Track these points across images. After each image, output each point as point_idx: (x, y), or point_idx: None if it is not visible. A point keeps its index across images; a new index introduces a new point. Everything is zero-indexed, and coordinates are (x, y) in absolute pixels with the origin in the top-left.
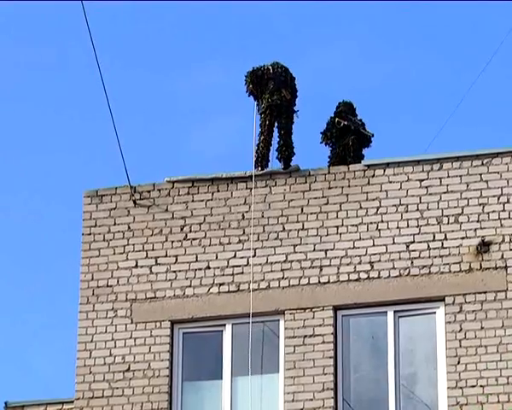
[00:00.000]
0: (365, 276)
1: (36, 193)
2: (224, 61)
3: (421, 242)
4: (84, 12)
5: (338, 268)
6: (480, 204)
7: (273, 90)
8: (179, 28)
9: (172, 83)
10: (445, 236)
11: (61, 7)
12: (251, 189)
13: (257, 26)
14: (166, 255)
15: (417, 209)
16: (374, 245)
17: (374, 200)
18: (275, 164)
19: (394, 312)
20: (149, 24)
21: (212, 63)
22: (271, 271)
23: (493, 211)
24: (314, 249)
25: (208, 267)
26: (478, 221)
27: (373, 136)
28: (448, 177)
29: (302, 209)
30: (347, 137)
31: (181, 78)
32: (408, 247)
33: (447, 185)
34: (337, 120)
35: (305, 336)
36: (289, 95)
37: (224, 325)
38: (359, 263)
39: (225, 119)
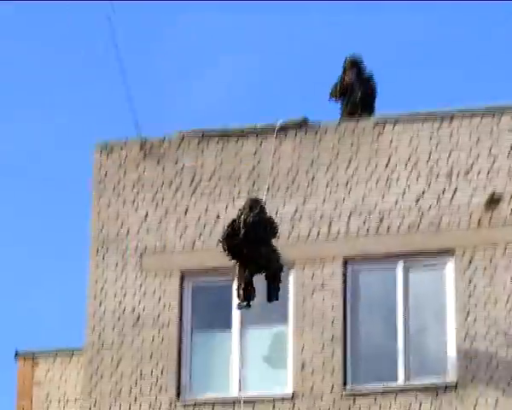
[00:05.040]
0: (375, 230)
1: (48, 144)
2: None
3: (430, 197)
4: None
5: (348, 221)
6: (490, 159)
7: None
8: None
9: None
10: (455, 191)
11: None
12: (261, 142)
13: None
14: (176, 207)
15: (427, 164)
16: (383, 199)
17: (384, 154)
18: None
19: (404, 265)
20: None
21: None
22: (281, 223)
23: (503, 166)
24: (324, 202)
25: (218, 219)
26: (487, 176)
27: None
28: (458, 132)
29: (312, 162)
30: (355, 93)
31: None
32: (417, 201)
33: (457, 140)
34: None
35: (315, 288)
36: None
37: (233, 275)
38: (369, 217)
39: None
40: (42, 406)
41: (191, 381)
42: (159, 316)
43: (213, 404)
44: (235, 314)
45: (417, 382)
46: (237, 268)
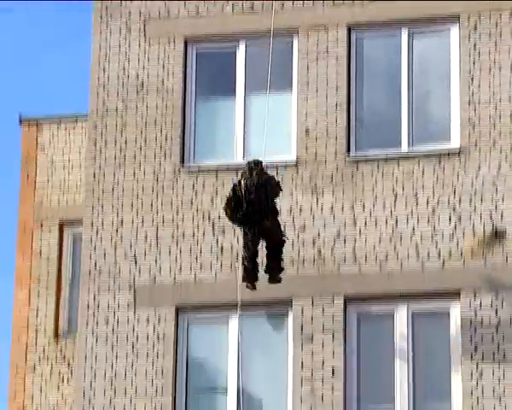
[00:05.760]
0: None
1: None
2: None
3: None
4: None
5: None
6: None
7: None
8: None
9: None
10: None
11: None
12: None
13: None
14: None
15: None
16: None
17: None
18: None
19: (408, 32)
20: None
21: None
22: None
23: None
24: None
25: None
26: None
27: None
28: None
29: None
30: None
31: None
32: None
33: None
34: None
35: (318, 54)
36: None
37: (238, 42)
38: None
39: None
40: (46, 171)
41: (195, 147)
42: (163, 83)
43: (217, 170)
44: (239, 81)
45: (420, 148)
46: (244, 238)
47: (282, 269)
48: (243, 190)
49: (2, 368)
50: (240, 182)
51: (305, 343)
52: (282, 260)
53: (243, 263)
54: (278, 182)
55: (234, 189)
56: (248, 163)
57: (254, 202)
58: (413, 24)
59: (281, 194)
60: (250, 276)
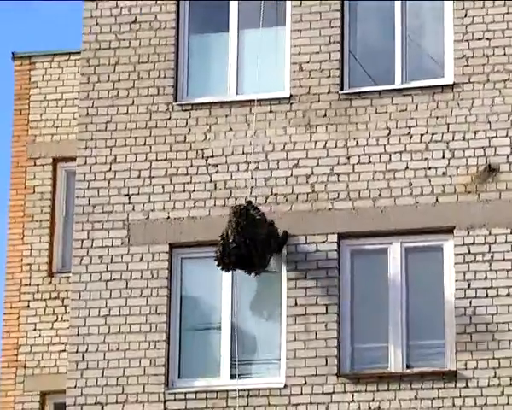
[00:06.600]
0: None
1: None
2: None
3: None
4: None
5: None
6: None
7: None
8: None
9: None
10: None
11: None
12: None
13: None
14: None
15: None
16: None
17: None
18: None
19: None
20: None
21: None
22: None
23: None
24: None
25: None
26: None
27: None
28: None
29: None
30: None
31: None
32: None
33: None
34: None
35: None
36: None
37: None
38: None
39: None
40: (39, 106)
41: (188, 83)
42: (156, 18)
43: (210, 106)
44: (233, 16)
45: (414, 83)
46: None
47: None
48: (230, 243)
49: None
50: (227, 233)
51: (299, 279)
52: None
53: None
54: (285, 232)
55: (222, 240)
56: (234, 213)
57: (244, 256)
58: None
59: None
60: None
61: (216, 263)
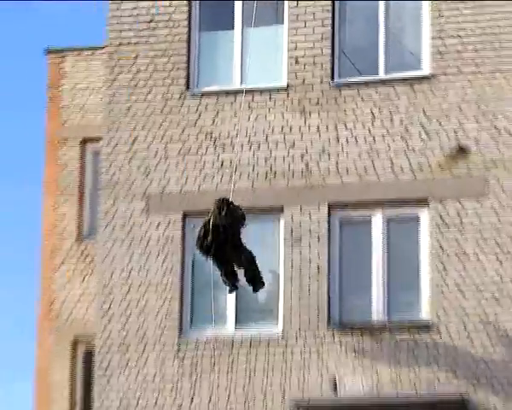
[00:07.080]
0: None
1: None
2: None
3: None
4: None
5: None
6: None
7: None
8: None
9: None
10: None
11: None
12: None
13: None
14: None
15: None
16: None
17: None
18: None
19: None
20: None
21: None
22: None
23: None
24: None
25: None
26: None
27: None
28: None
29: None
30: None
31: None
32: None
33: None
34: None
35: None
36: None
37: None
38: None
39: None
40: (69, 94)
41: (199, 74)
42: (170, 17)
43: (217, 94)
44: (237, 16)
45: (395, 75)
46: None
47: (261, 279)
48: (211, 227)
49: (30, 268)
50: (209, 221)
51: (295, 244)
52: (257, 272)
53: (222, 278)
54: (243, 213)
55: (204, 226)
56: (217, 202)
57: (221, 241)
58: None
59: (245, 225)
60: (230, 284)
61: (197, 247)
